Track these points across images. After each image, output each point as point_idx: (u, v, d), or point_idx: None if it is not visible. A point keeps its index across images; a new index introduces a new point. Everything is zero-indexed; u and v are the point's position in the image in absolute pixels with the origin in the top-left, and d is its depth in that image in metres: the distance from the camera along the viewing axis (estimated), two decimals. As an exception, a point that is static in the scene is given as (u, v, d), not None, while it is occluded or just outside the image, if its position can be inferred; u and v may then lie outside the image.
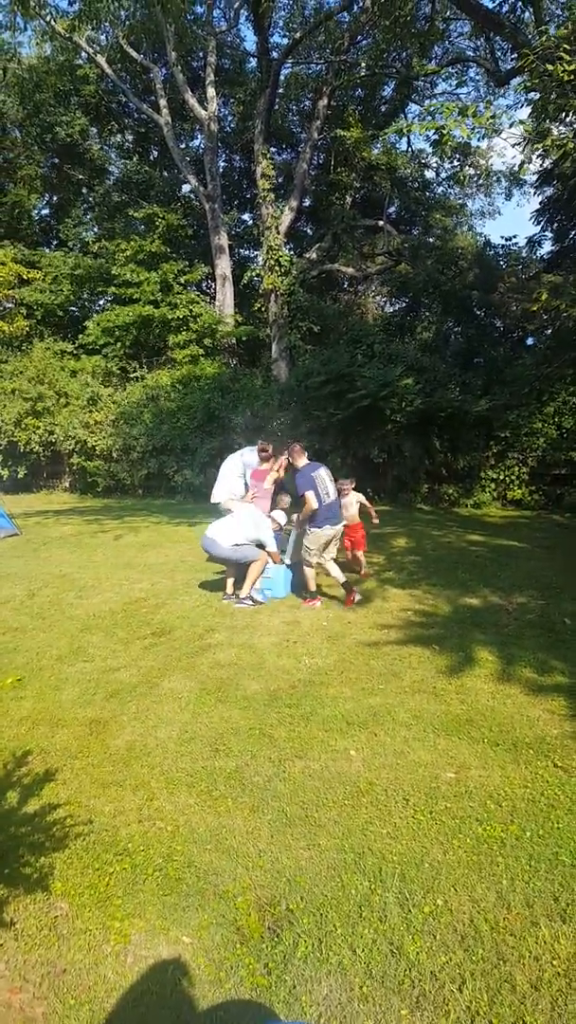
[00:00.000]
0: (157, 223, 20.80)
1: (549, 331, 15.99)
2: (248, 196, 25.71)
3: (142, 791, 3.62)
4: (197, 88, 21.29)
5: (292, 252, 21.13)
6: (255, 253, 24.95)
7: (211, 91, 20.21)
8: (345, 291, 25.60)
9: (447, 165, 22.32)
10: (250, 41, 34.55)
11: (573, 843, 3.05)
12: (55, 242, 25.60)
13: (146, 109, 21.86)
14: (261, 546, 7.08)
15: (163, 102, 20.78)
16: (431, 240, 22.01)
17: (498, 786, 3.54)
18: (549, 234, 18.34)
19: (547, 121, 8.50)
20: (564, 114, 8.43)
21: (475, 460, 14.17)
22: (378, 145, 22.18)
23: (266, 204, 19.24)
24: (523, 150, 9.00)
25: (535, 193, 18.12)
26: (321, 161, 23.68)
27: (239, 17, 22.68)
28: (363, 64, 20.56)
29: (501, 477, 14.09)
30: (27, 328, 21.36)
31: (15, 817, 3.41)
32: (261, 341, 21.63)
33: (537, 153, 9.02)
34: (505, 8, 12.40)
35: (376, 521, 8.23)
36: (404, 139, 22.69)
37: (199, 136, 24.01)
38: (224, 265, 20.74)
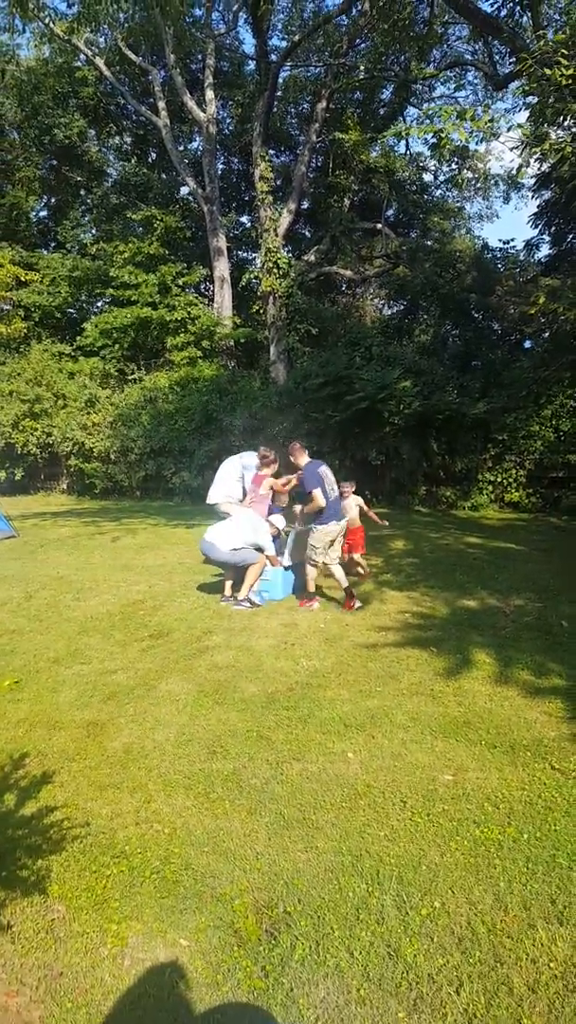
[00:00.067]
0: (155, 225, 20.84)
1: (547, 334, 16.01)
2: (246, 198, 25.74)
3: (139, 793, 3.62)
4: (196, 90, 21.33)
5: (290, 254, 21.15)
6: (253, 255, 25.01)
7: (210, 93, 20.25)
8: (343, 293, 25.65)
9: (445, 168, 22.35)
10: (249, 44, 34.64)
11: (570, 845, 3.05)
12: (53, 244, 25.62)
13: (144, 111, 21.89)
14: (260, 550, 7.08)
15: (162, 104, 20.82)
16: (429, 243, 22.02)
17: (495, 788, 3.54)
18: (547, 237, 18.39)
19: (545, 125, 8.52)
20: (562, 118, 8.44)
21: (473, 463, 14.20)
22: (376, 148, 22.25)
23: (264, 206, 19.27)
24: (521, 154, 9.01)
25: (533, 197, 18.20)
26: (319, 164, 23.73)
27: (238, 20, 22.80)
28: (362, 67, 20.63)
29: (499, 480, 14.11)
30: (25, 330, 21.39)
31: (12, 819, 3.41)
32: (259, 343, 21.66)
33: (535, 157, 9.04)
34: (503, 12, 12.41)
35: (384, 523, 8.25)
36: (402, 142, 22.70)
37: (198, 138, 24.01)
38: (222, 267, 20.77)
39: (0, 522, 11.70)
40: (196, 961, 2.52)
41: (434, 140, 8.79)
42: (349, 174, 22.15)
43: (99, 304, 23.56)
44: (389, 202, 23.64)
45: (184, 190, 24.55)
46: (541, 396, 13.66)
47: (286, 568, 7.47)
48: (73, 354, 21.00)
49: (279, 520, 7.69)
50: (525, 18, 13.13)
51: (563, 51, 7.91)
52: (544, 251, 18.87)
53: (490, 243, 21.56)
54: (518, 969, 2.42)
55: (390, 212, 24.20)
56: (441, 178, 24.87)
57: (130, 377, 19.82)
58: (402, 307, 23.06)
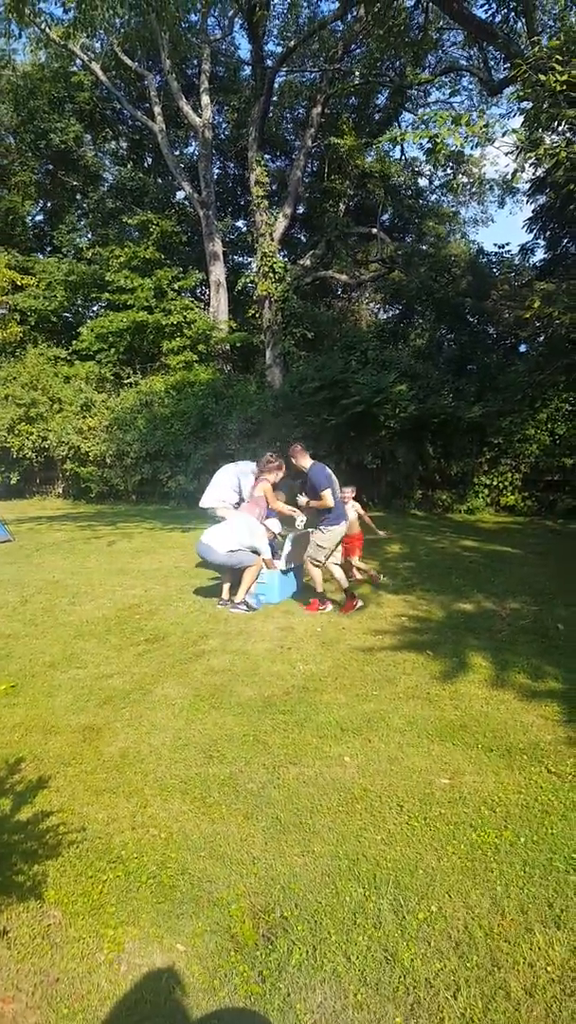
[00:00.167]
0: (151, 230, 20.87)
1: (542, 338, 16.03)
2: (242, 203, 25.80)
3: (135, 798, 3.61)
4: (191, 95, 21.39)
5: (286, 259, 21.20)
6: (249, 260, 25.01)
7: (205, 98, 20.31)
8: (339, 298, 25.68)
9: (440, 173, 22.54)
10: (244, 49, 34.81)
11: (567, 849, 3.05)
12: (49, 248, 25.65)
13: (140, 116, 21.94)
14: (256, 552, 7.08)
15: (157, 109, 20.86)
16: (424, 247, 22.09)
17: (492, 792, 3.54)
18: (542, 242, 18.45)
19: (539, 130, 8.56)
20: (556, 123, 8.48)
21: (468, 466, 14.20)
22: (372, 153, 22.35)
23: (260, 211, 19.31)
24: (516, 159, 9.06)
25: (528, 201, 18.25)
26: (315, 168, 23.77)
27: (233, 25, 22.93)
28: (357, 72, 20.70)
29: (494, 483, 14.11)
30: (20, 334, 21.38)
31: (8, 825, 3.40)
32: (255, 347, 21.67)
33: (530, 162, 9.08)
34: (498, 19, 12.50)
35: (382, 534, 8.26)
36: (398, 147, 22.87)
37: (193, 143, 24.08)
38: (218, 271, 20.80)
39: (-4, 526, 11.69)
40: (193, 966, 2.51)
41: (429, 145, 8.82)
42: (344, 179, 22.22)
43: (95, 308, 23.56)
44: (384, 207, 23.71)
45: (180, 195, 24.57)
46: (536, 400, 13.68)
47: (283, 572, 7.46)
48: (69, 358, 20.98)
49: (274, 524, 7.69)
50: (519, 24, 13.21)
51: (557, 57, 7.94)
52: (539, 255, 18.94)
53: (485, 247, 21.72)
54: (515, 973, 2.42)
55: (385, 217, 24.30)
56: (436, 183, 25.04)
57: (126, 381, 19.81)
58: (397, 311, 23.10)
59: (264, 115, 20.18)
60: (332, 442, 14.48)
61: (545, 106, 8.23)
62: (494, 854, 3.04)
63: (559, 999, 2.29)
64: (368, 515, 8.11)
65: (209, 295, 21.95)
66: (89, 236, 25.63)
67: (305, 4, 22.38)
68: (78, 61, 21.65)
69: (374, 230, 21.95)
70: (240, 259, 26.32)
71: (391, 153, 23.29)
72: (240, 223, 26.13)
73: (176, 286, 20.83)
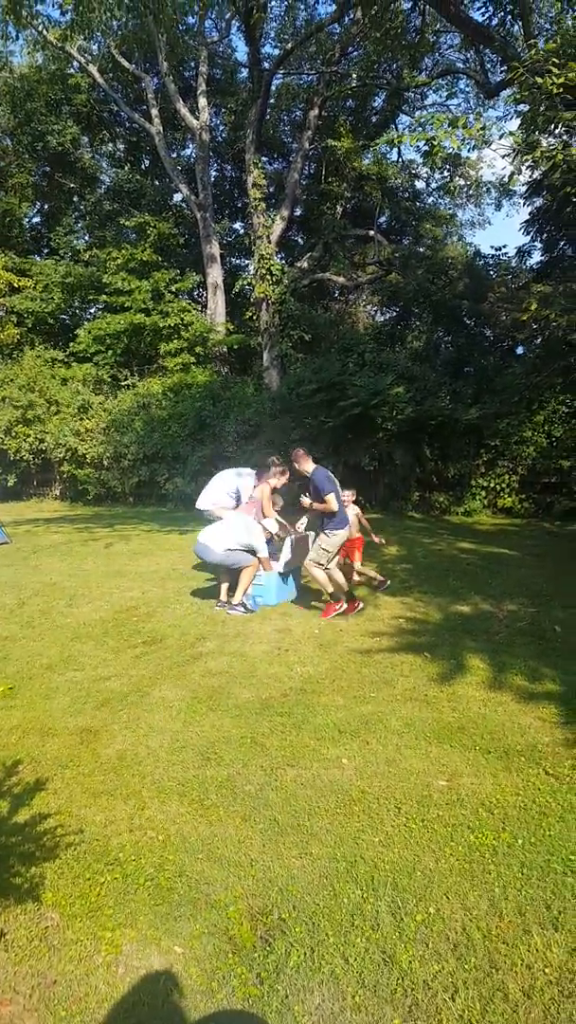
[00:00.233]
0: (148, 232, 20.86)
1: (539, 340, 16.05)
2: (239, 205, 25.79)
3: (133, 800, 3.61)
4: (189, 98, 21.40)
5: (283, 261, 21.23)
6: (246, 262, 25.07)
7: (203, 101, 20.33)
8: (336, 300, 25.70)
9: (437, 176, 22.48)
10: (241, 51, 34.70)
11: (565, 851, 3.05)
12: (46, 250, 25.61)
13: (138, 118, 21.95)
14: (253, 552, 7.08)
15: (155, 111, 20.88)
16: (421, 250, 22.12)
17: (490, 794, 3.54)
18: (538, 244, 18.48)
19: (536, 133, 8.58)
20: (553, 126, 8.50)
21: (465, 468, 14.22)
22: (369, 155, 22.37)
23: (257, 213, 19.32)
24: (513, 161, 9.06)
25: (524, 204, 18.27)
26: (312, 171, 23.80)
27: (231, 28, 22.91)
28: (354, 75, 20.71)
29: (491, 485, 14.13)
30: (18, 336, 21.36)
31: (5, 827, 3.39)
32: (252, 349, 21.70)
33: (526, 164, 9.09)
34: (495, 22, 12.52)
35: (380, 541, 8.25)
36: (395, 150, 22.87)
37: (191, 145, 24.08)
38: (215, 274, 20.80)
39: (-7, 528, 11.68)
40: (191, 968, 2.51)
41: (426, 147, 8.85)
42: (342, 181, 22.24)
43: (92, 310, 23.56)
44: (381, 209, 23.74)
45: (177, 197, 24.60)
46: (533, 402, 13.70)
47: (280, 574, 7.45)
48: (66, 360, 20.95)
49: (271, 524, 7.68)
50: (516, 27, 13.25)
51: (554, 60, 7.96)
52: (536, 258, 18.99)
53: (482, 250, 21.63)
54: (513, 975, 2.42)
55: (382, 219, 24.33)
56: (433, 185, 25.00)
57: (123, 383, 19.78)
58: (395, 313, 23.13)
59: (261, 117, 20.20)
60: (329, 444, 14.49)
61: (542, 109, 8.25)
62: (492, 856, 3.05)
63: (557, 1001, 2.29)
64: (363, 517, 8.11)
65: (206, 297, 21.95)
66: (86, 238, 25.63)
67: (302, 7, 22.43)
68: (75, 63, 21.64)
69: (371, 232, 21.96)
70: (237, 261, 26.36)
71: (388, 156, 23.34)
72: (237, 225, 26.14)
73: (173, 288, 20.84)
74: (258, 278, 19.15)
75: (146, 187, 24.30)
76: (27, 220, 25.58)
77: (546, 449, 13.55)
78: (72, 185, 25.52)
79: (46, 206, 26.35)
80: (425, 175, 24.27)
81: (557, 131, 8.81)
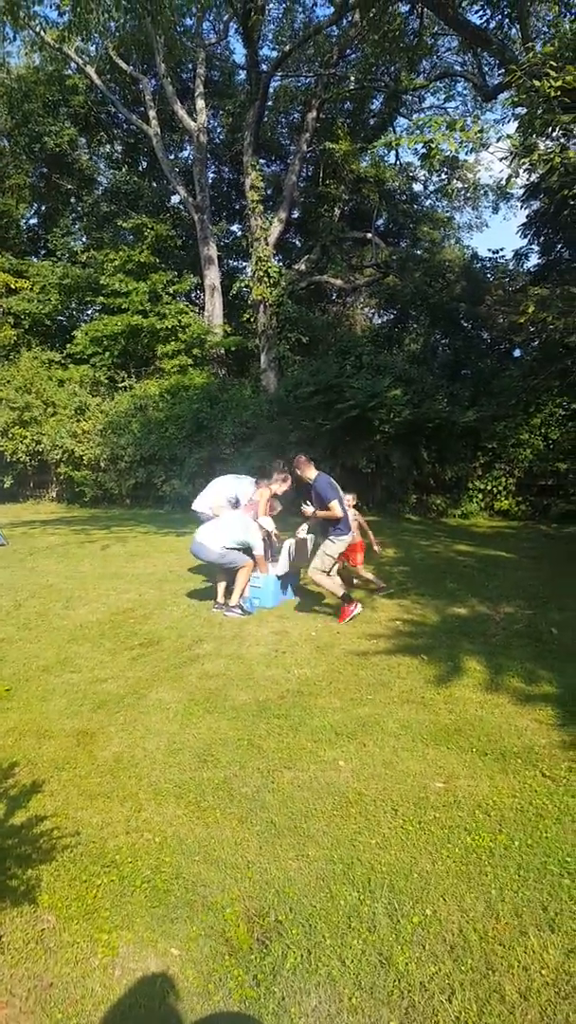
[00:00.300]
0: (146, 233, 20.87)
1: (536, 343, 16.08)
2: (237, 207, 25.82)
3: (130, 802, 3.60)
4: (186, 99, 21.40)
5: (281, 263, 21.23)
6: (244, 264, 25.05)
7: (200, 103, 20.33)
8: (334, 302, 25.71)
9: (435, 178, 22.51)
10: (239, 54, 34.81)
11: (561, 852, 3.05)
12: (43, 251, 25.59)
13: (135, 120, 21.98)
14: (249, 551, 7.07)
15: (152, 113, 20.88)
16: (419, 252, 22.13)
17: (486, 796, 3.54)
18: (536, 247, 18.48)
19: (534, 136, 8.59)
20: (550, 129, 8.51)
21: (463, 471, 14.24)
22: (367, 158, 22.33)
23: (255, 215, 19.32)
24: (510, 164, 9.07)
25: (522, 207, 18.25)
26: (310, 173, 23.83)
27: (229, 30, 22.91)
28: (352, 77, 20.74)
29: (488, 487, 14.15)
30: (14, 337, 21.38)
31: (2, 829, 3.38)
32: (250, 351, 21.68)
33: (524, 167, 9.10)
34: (492, 25, 12.54)
35: (378, 549, 8.25)
36: (392, 152, 22.85)
37: (188, 147, 24.13)
38: (213, 276, 20.81)
39: (-11, 530, 11.66)
40: (187, 970, 2.51)
41: (424, 150, 8.86)
42: (339, 184, 22.25)
43: (89, 312, 23.57)
44: (379, 212, 23.75)
45: (175, 199, 24.57)
46: (530, 405, 13.73)
47: (278, 577, 7.44)
48: (63, 362, 20.94)
49: (268, 523, 7.66)
50: (514, 30, 13.28)
51: (551, 63, 7.98)
52: (533, 261, 18.98)
53: (479, 253, 21.76)
54: (510, 976, 2.42)
55: (380, 222, 24.33)
56: (431, 188, 25.05)
57: (120, 385, 19.78)
58: (392, 316, 23.14)
59: (259, 119, 20.20)
60: (327, 446, 14.50)
61: (539, 112, 8.27)
62: (488, 858, 3.05)
63: (553, 1002, 2.30)
64: (363, 521, 8.10)
65: (204, 299, 21.96)
66: (83, 239, 25.62)
67: (300, 9, 22.50)
68: (73, 64, 21.63)
69: (369, 235, 21.98)
70: (235, 263, 26.36)
71: (386, 158, 23.29)
72: (235, 227, 26.18)
73: (171, 290, 20.85)
74: (256, 280, 19.14)
75: (144, 189, 24.31)
76: (24, 221, 25.59)
77: (543, 452, 13.58)
78: (69, 186, 25.53)
79: (43, 207, 26.33)
80: (423, 178, 24.38)
81: (555, 134, 8.82)
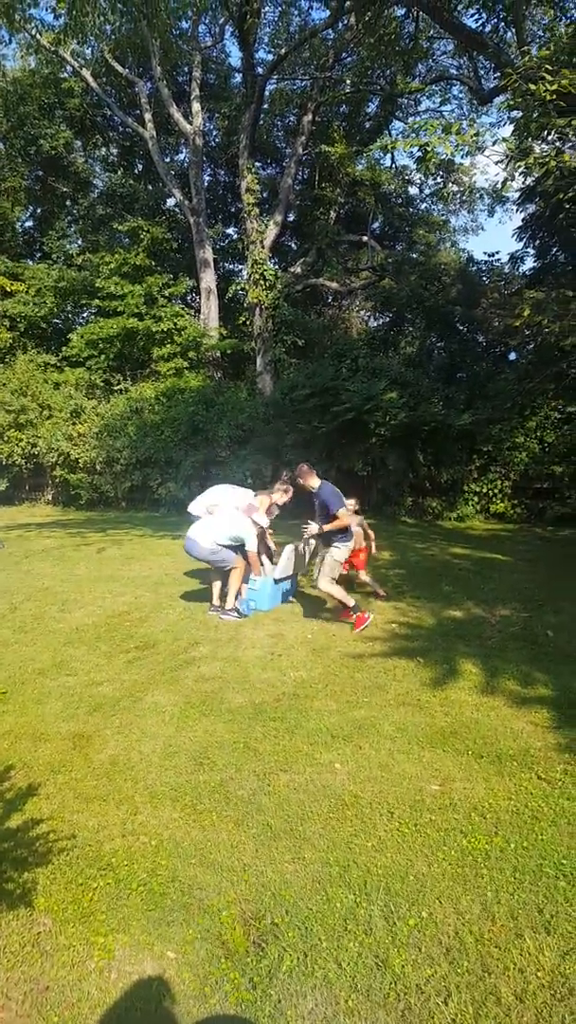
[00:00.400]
0: (142, 236, 20.85)
1: (531, 346, 16.10)
2: (233, 210, 25.81)
3: (126, 805, 3.60)
4: (182, 102, 21.40)
5: (277, 266, 21.21)
6: (240, 267, 25.05)
7: (196, 106, 20.33)
8: (329, 305, 25.73)
9: (430, 182, 22.60)
10: (235, 57, 34.80)
11: (557, 855, 3.06)
12: (39, 254, 25.56)
13: (131, 123, 21.95)
14: (240, 546, 7.05)
15: (148, 116, 20.88)
16: (415, 256, 22.16)
17: (482, 798, 3.55)
18: (531, 251, 18.50)
19: (529, 139, 8.60)
20: (546, 132, 8.53)
21: (458, 473, 14.26)
22: (362, 161, 22.44)
23: (251, 218, 19.33)
24: (506, 168, 9.09)
25: (517, 210, 18.34)
26: (306, 176, 23.85)
27: (224, 33, 22.88)
28: (348, 81, 20.79)
29: (484, 490, 14.17)
30: (10, 340, 21.33)
31: (-3, 832, 3.38)
32: (246, 354, 21.67)
33: (520, 171, 9.11)
34: (488, 28, 12.57)
35: (373, 551, 8.25)
36: (388, 155, 22.88)
37: (184, 150, 24.08)
38: (209, 279, 20.81)
39: (-15, 532, 11.64)
40: (183, 973, 2.51)
41: (420, 153, 8.88)
42: (335, 187, 22.28)
43: (85, 315, 23.51)
44: (375, 215, 23.79)
45: (171, 201, 24.60)
46: (526, 408, 13.76)
47: (276, 581, 7.42)
48: (59, 364, 20.89)
49: (262, 519, 7.62)
50: (509, 34, 13.30)
51: (547, 66, 8.00)
52: (528, 264, 18.99)
53: (475, 256, 21.74)
54: (506, 979, 2.42)
55: (376, 225, 24.35)
56: (426, 191, 25.14)
57: (116, 388, 19.74)
58: (388, 319, 23.14)
59: (255, 122, 20.21)
60: (323, 449, 14.51)
61: (535, 115, 8.27)
62: (484, 860, 3.05)
63: (549, 1004, 2.30)
64: (367, 527, 8.10)
65: (199, 302, 21.94)
66: (79, 242, 25.59)
67: (296, 12, 22.48)
68: (68, 67, 21.64)
69: (364, 238, 22.01)
70: (231, 266, 26.35)
71: (382, 161, 23.36)
72: (231, 230, 26.18)
73: (166, 293, 20.82)
74: (251, 283, 19.15)
75: (139, 192, 24.31)
76: (20, 224, 25.56)
77: (538, 455, 13.61)
78: (65, 189, 25.52)
79: (39, 210, 26.30)
80: (418, 181, 24.46)
81: (550, 137, 8.84)
